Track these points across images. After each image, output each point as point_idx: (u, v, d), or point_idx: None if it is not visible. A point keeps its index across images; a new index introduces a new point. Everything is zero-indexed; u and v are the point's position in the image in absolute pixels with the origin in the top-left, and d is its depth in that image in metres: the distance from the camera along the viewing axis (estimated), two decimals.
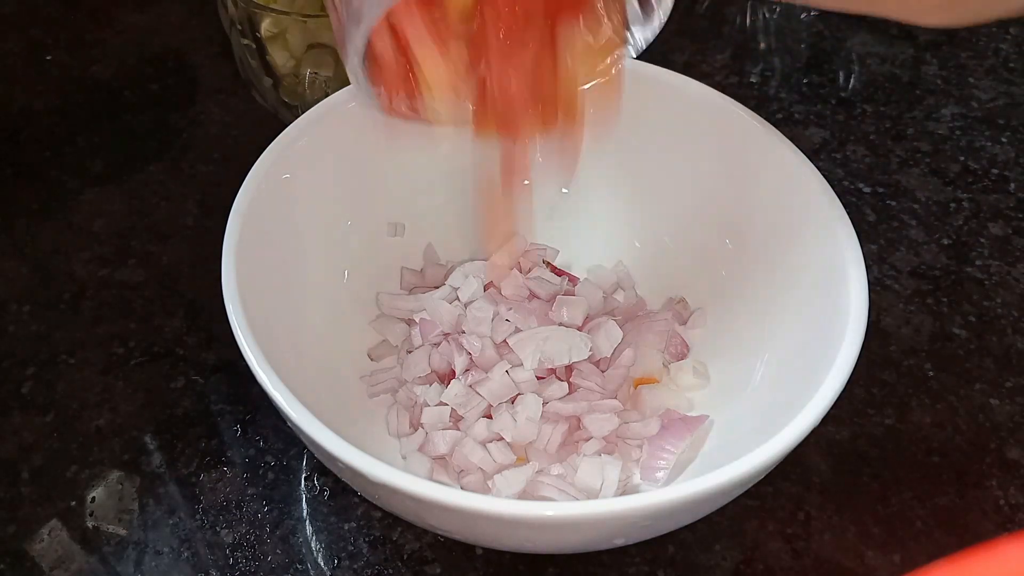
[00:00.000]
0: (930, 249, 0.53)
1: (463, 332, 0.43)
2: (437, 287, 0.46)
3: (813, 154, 0.57)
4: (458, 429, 0.41)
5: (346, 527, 0.40)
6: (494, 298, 0.44)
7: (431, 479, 0.35)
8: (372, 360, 0.45)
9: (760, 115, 0.43)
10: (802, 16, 0.70)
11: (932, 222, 0.54)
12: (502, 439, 0.40)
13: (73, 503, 0.41)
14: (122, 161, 0.57)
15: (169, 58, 0.65)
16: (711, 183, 0.45)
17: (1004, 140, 0.59)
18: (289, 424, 0.33)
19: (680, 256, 0.47)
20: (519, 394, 0.41)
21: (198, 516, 0.41)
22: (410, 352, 0.44)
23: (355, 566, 0.39)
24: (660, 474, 0.39)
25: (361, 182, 0.45)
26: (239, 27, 0.50)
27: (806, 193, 0.40)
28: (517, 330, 0.42)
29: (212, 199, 0.55)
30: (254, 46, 0.50)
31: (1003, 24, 0.70)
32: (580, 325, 0.43)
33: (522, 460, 0.41)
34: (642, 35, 0.36)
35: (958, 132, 0.60)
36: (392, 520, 0.40)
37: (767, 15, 0.70)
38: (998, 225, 0.54)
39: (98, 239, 0.52)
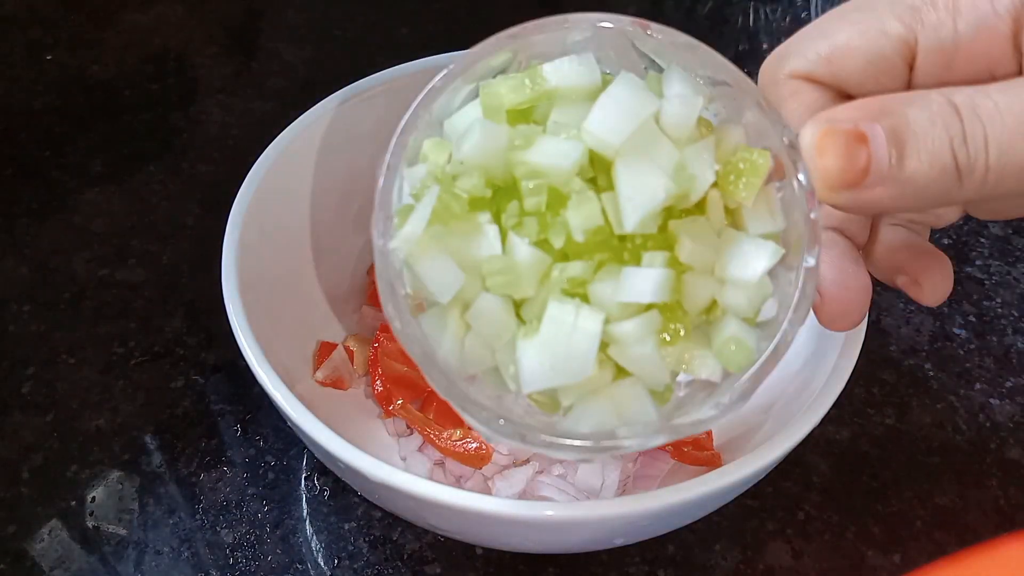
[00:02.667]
0: None
1: None
2: None
3: None
4: None
5: (346, 527, 0.40)
6: None
7: (431, 479, 0.34)
8: None
9: None
10: (802, 15, 0.70)
11: None
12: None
13: (73, 503, 0.41)
14: (122, 161, 0.57)
15: (169, 58, 0.65)
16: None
17: None
18: (289, 424, 0.33)
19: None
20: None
21: (198, 516, 0.41)
22: None
23: (355, 566, 0.39)
24: (654, 484, 0.39)
25: (361, 182, 0.45)
26: None
27: None
28: None
29: (212, 199, 0.55)
30: None
31: None
32: None
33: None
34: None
35: None
36: (392, 520, 0.40)
37: (769, 15, 0.70)
38: (998, 225, 0.54)
39: (98, 239, 0.52)
